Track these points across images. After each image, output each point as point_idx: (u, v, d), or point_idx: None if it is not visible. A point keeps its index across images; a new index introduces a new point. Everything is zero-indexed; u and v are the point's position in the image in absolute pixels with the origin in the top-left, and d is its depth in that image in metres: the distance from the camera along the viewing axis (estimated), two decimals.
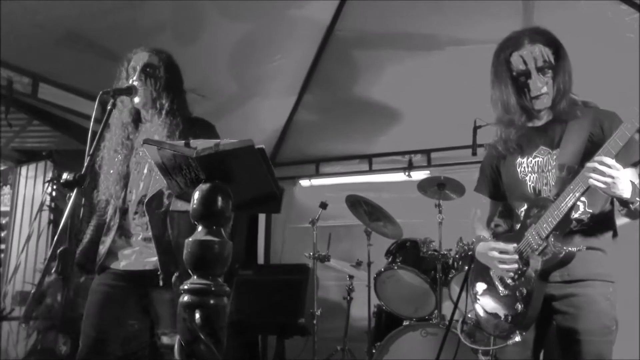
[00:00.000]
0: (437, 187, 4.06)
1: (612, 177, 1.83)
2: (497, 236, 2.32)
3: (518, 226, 2.19)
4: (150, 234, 2.42)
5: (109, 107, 2.17)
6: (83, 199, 1.90)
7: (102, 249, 2.51)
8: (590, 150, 2.02)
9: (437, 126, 4.78)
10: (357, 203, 4.43)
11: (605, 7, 4.01)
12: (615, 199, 2.00)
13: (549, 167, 2.13)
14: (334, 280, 5.34)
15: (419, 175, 5.27)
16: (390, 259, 4.12)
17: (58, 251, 1.87)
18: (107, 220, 2.53)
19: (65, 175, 1.92)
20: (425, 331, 3.57)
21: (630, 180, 1.90)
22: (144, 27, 3.65)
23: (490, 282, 2.21)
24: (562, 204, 1.98)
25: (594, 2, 4.00)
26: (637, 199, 1.88)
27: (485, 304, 2.23)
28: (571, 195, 1.96)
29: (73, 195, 1.89)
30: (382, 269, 4.02)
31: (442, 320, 3.66)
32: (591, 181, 1.86)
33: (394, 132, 5.28)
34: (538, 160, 2.18)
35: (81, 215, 2.35)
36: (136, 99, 2.50)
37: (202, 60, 4.22)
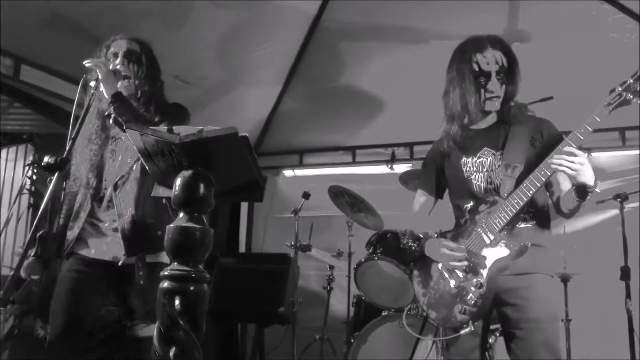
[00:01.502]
0: (418, 180, 4.08)
1: (581, 164, 1.96)
2: (442, 232, 2.38)
3: (462, 221, 2.30)
4: (120, 223, 2.42)
5: (92, 92, 2.15)
6: (64, 183, 1.89)
7: (70, 234, 2.49)
8: (532, 153, 2.20)
9: (421, 120, 4.78)
10: (340, 194, 4.45)
11: (589, 6, 4.05)
12: (557, 197, 2.18)
13: (494, 167, 2.25)
14: (314, 270, 5.37)
15: (401, 168, 5.31)
16: (370, 250, 4.14)
17: (38, 235, 1.86)
18: (76, 206, 2.51)
19: (46, 159, 1.91)
20: (402, 323, 3.61)
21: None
22: (130, 11, 3.61)
23: (439, 275, 2.28)
24: (515, 200, 2.11)
25: (579, 0, 4.04)
26: (597, 189, 2.02)
27: (434, 298, 2.28)
28: (525, 191, 2.09)
29: (54, 179, 1.88)
30: (363, 260, 4.05)
31: (420, 311, 3.69)
32: (562, 167, 1.98)
33: (378, 124, 5.31)
34: (482, 161, 2.29)
35: (62, 199, 2.33)
36: (118, 85, 2.48)
37: (188, 47, 4.19)
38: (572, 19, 4.14)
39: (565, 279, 4.02)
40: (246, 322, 5.33)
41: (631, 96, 2.00)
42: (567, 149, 1.99)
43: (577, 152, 1.97)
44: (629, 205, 4.00)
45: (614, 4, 4.01)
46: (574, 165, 1.96)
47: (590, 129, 2.01)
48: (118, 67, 2.48)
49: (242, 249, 5.98)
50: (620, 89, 2.02)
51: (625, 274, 3.76)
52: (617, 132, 4.69)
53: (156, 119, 2.43)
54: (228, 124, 1.58)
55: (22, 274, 2.40)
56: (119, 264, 2.39)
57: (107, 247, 2.47)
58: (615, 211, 4.08)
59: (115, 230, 2.46)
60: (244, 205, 6.05)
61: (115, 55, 2.53)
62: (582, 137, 2.02)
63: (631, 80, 2.01)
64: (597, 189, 2.03)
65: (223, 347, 5.03)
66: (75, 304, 2.40)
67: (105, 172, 2.53)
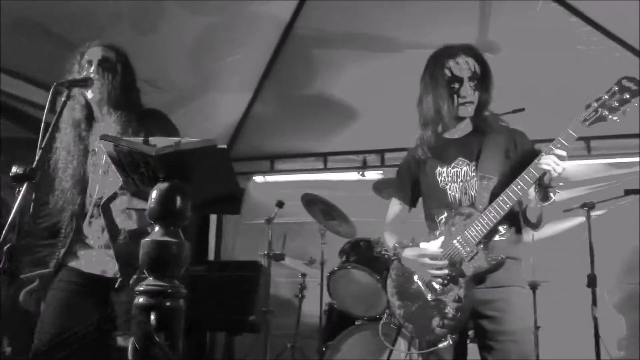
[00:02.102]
0: (392, 188, 4.10)
1: (564, 169, 2.00)
2: (417, 242, 2.37)
3: (437, 232, 2.28)
4: (107, 239, 2.39)
5: (63, 99, 2.10)
6: (34, 194, 1.83)
7: (61, 252, 2.46)
8: (506, 164, 2.22)
9: (392, 127, 4.82)
10: (313, 202, 4.43)
11: (557, 19, 4.14)
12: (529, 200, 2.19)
13: (468, 178, 2.26)
14: (285, 277, 5.33)
15: (372, 174, 5.34)
16: (344, 258, 4.13)
17: (5, 248, 1.80)
18: (65, 225, 2.47)
19: (14, 169, 1.85)
20: (376, 331, 3.60)
21: None
22: (101, 16, 3.54)
23: (415, 287, 2.27)
24: (492, 214, 2.12)
25: (547, 13, 4.12)
26: (558, 190, 2.06)
27: (410, 310, 2.28)
28: (502, 205, 2.10)
29: (23, 189, 1.81)
30: (336, 268, 4.03)
31: (394, 320, 3.69)
32: (549, 167, 2.00)
33: (349, 131, 5.32)
34: (457, 171, 2.29)
35: (31, 210, 2.26)
36: (90, 94, 2.44)
37: (160, 52, 4.13)
38: (540, 30, 4.22)
39: (534, 287, 4.09)
40: (216, 331, 5.26)
41: (607, 112, 2.02)
42: (558, 151, 2.01)
43: (564, 153, 2.01)
44: (595, 213, 4.10)
45: (581, 16, 4.11)
46: (558, 168, 1.99)
47: (567, 144, 2.03)
48: (92, 75, 2.41)
49: (211, 256, 5.90)
50: (595, 104, 2.04)
51: (591, 282, 3.84)
52: (583, 142, 4.80)
53: (142, 136, 2.39)
54: (199, 129, 1.56)
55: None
56: (116, 286, 2.35)
57: (96, 260, 2.44)
58: (582, 219, 4.17)
59: (101, 247, 2.43)
60: None
61: (90, 62, 2.46)
62: (575, 134, 2.04)
63: (606, 97, 2.03)
64: (557, 190, 2.06)
65: (191, 357, 4.95)
66: (67, 316, 2.36)
67: (89, 188, 2.48)
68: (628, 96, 2.01)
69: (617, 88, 2.03)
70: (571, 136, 2.03)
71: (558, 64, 4.28)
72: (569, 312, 4.27)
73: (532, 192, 2.18)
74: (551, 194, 2.06)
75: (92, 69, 2.44)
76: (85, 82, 2.33)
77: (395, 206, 2.55)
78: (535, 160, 2.06)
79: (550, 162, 2.00)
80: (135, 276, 2.29)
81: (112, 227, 2.39)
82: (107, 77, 2.44)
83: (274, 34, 4.76)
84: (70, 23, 3.40)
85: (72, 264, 2.46)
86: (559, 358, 4.22)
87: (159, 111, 2.62)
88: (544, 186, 2.05)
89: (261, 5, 4.38)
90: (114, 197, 2.39)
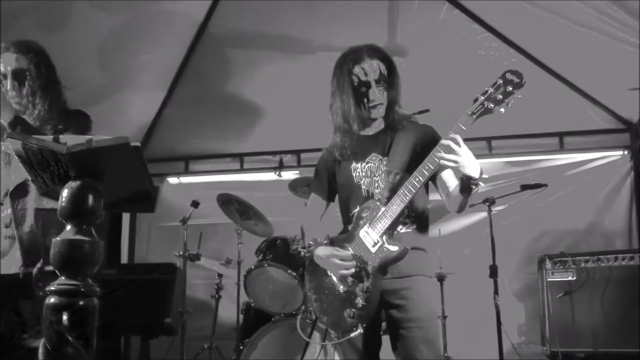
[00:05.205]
0: (307, 187, 4.19)
1: (461, 156, 2.04)
2: (331, 238, 2.45)
3: (350, 227, 2.37)
4: (11, 231, 2.35)
5: None
6: None
7: None
8: (414, 159, 2.29)
9: (308, 127, 4.91)
10: (229, 202, 4.43)
11: (460, 25, 4.38)
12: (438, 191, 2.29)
13: (379, 172, 2.35)
14: (201, 279, 5.30)
15: (289, 174, 5.41)
16: (260, 257, 4.16)
17: None
18: None
19: None
20: (293, 326, 3.67)
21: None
22: (5, 11, 3.36)
23: (329, 281, 2.35)
24: (394, 206, 2.21)
25: (451, 20, 4.35)
26: (481, 183, 2.10)
27: (325, 303, 2.36)
28: (403, 197, 2.19)
29: None
30: (253, 267, 4.04)
31: (309, 315, 3.77)
32: (443, 162, 2.06)
33: (266, 131, 5.36)
34: (370, 166, 2.39)
35: None
36: (14, 105, 2.47)
37: (68, 50, 3.98)
38: (444, 36, 4.45)
39: (441, 279, 4.30)
40: (130, 335, 5.14)
41: (492, 105, 2.08)
42: (444, 141, 2.06)
43: (459, 139, 2.04)
44: (495, 209, 4.37)
45: (481, 23, 4.38)
46: (453, 157, 2.04)
47: (472, 119, 2.08)
48: (9, 91, 2.46)
49: (124, 260, 5.75)
50: (482, 98, 2.10)
51: (493, 272, 4.10)
52: (485, 142, 5.11)
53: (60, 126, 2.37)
54: (111, 128, 1.56)
55: None
56: (20, 276, 2.32)
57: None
58: (484, 214, 4.44)
59: (7, 237, 2.39)
60: (126, 215, 5.82)
61: (5, 76, 2.48)
62: (464, 128, 2.08)
63: (492, 90, 2.08)
64: (481, 183, 2.09)
65: None
66: None
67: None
68: (511, 88, 2.05)
69: (501, 81, 2.08)
70: (461, 129, 2.09)
71: (461, 67, 4.53)
72: (473, 301, 4.53)
73: (452, 184, 2.27)
74: (473, 186, 2.10)
75: (9, 86, 2.47)
76: None
77: (313, 201, 2.61)
78: (431, 154, 2.13)
79: (442, 155, 2.06)
80: (38, 265, 2.27)
81: (18, 215, 2.36)
82: (22, 92, 2.47)
83: (188, 32, 4.72)
84: None
85: None
86: (465, 345, 4.47)
87: (84, 112, 2.62)
88: (465, 181, 2.10)
89: (174, 4, 4.33)
90: (24, 185, 2.35)
